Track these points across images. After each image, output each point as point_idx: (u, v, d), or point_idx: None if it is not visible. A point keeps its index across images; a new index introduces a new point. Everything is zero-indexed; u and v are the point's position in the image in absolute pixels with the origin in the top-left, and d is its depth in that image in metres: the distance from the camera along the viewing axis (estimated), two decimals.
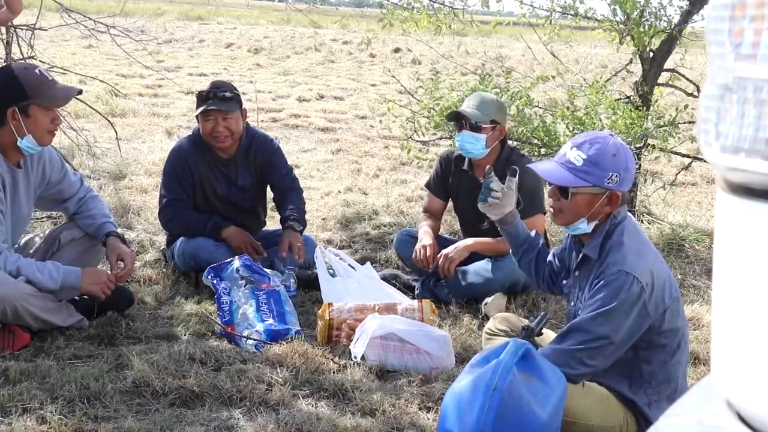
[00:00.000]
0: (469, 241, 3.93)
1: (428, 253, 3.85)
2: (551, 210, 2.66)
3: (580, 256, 2.65)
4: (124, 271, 3.41)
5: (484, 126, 3.84)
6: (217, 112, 3.87)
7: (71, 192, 3.52)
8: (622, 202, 2.59)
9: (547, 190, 2.80)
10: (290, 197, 4.08)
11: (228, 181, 4.06)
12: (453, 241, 4.05)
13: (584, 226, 2.60)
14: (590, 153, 2.51)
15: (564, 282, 2.81)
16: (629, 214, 2.66)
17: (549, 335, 2.92)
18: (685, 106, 5.25)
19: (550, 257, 2.95)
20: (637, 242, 2.54)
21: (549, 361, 2.46)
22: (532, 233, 3.01)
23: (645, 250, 2.54)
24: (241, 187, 4.08)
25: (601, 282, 2.49)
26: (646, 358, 2.54)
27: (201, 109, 3.89)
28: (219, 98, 3.88)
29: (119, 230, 3.68)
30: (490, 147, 3.89)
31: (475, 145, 3.87)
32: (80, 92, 3.36)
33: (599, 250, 2.56)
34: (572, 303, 2.72)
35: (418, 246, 3.91)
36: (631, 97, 5.19)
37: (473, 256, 3.93)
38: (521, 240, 2.98)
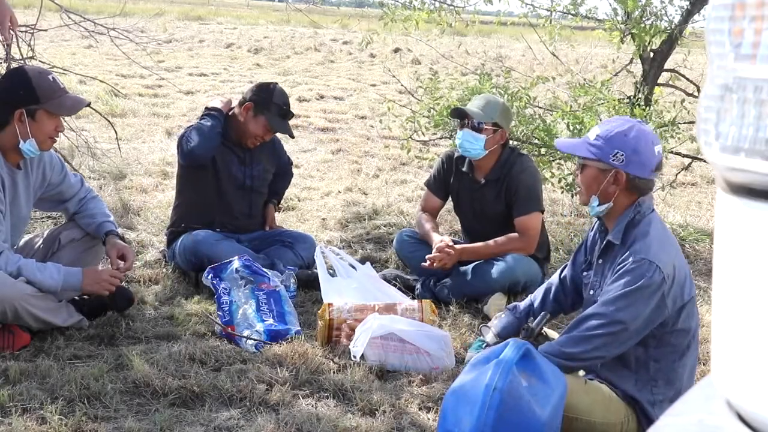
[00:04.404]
0: (467, 249, 3.93)
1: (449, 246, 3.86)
2: (576, 188, 2.71)
3: (605, 242, 2.67)
4: (126, 266, 3.44)
5: (485, 127, 3.84)
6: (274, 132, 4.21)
7: (72, 193, 3.53)
8: (632, 187, 2.57)
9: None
10: (285, 178, 4.60)
11: (241, 163, 4.23)
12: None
13: (595, 205, 2.63)
14: (606, 129, 2.58)
15: (585, 274, 2.81)
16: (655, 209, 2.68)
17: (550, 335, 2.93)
18: (682, 101, 5.25)
19: (557, 281, 2.97)
20: (663, 235, 2.57)
21: (565, 344, 2.51)
22: (521, 309, 3.01)
23: (669, 244, 2.57)
24: (252, 171, 4.25)
25: (624, 268, 2.51)
26: (655, 357, 2.56)
27: (272, 124, 4.16)
28: (288, 118, 4.24)
29: (119, 230, 3.69)
30: (489, 149, 3.89)
31: (474, 144, 3.87)
32: (89, 105, 3.38)
33: (622, 237, 2.58)
34: (591, 291, 2.73)
35: (438, 245, 3.86)
36: (633, 97, 5.19)
37: None
38: (523, 320, 2.97)
